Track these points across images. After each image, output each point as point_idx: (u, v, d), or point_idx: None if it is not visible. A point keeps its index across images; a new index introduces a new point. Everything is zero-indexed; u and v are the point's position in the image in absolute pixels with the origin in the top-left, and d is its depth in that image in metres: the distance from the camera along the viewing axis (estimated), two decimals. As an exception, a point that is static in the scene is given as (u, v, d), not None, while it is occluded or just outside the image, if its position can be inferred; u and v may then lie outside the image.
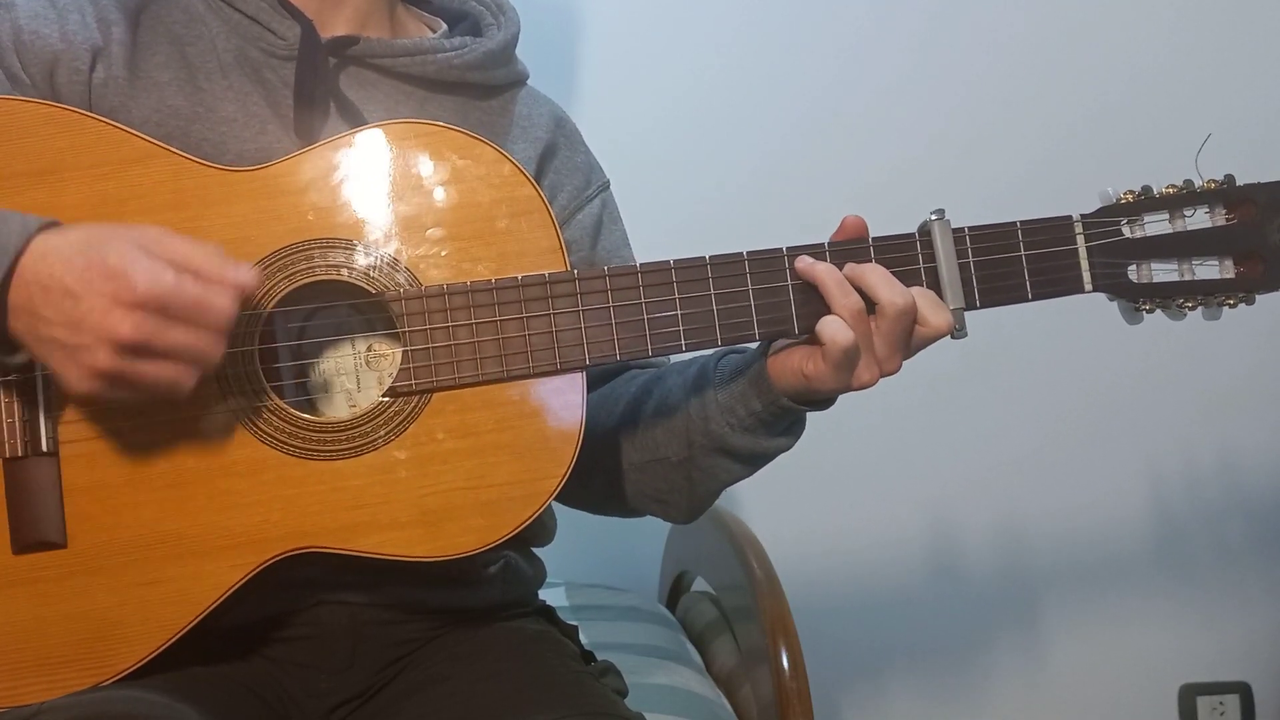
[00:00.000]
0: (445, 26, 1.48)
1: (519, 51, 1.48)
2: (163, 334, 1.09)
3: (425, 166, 1.22)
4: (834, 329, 1.22)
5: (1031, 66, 2.35)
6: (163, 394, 1.12)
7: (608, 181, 1.51)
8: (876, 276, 1.23)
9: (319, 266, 1.21)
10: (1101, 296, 1.30)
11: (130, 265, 1.08)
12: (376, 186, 1.22)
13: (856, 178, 2.28)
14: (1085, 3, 2.35)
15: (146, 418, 1.19)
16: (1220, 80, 2.34)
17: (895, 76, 2.33)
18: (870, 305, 1.23)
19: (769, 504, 2.27)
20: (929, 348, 1.27)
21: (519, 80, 1.49)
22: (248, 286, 1.13)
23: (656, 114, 2.27)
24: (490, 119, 1.43)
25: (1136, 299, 1.28)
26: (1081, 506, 2.42)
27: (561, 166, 1.46)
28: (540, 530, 1.46)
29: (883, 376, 1.25)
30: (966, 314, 1.25)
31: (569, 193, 1.46)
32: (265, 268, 1.20)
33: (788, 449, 1.35)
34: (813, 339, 1.25)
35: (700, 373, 1.35)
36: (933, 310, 1.24)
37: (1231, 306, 1.28)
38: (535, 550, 1.47)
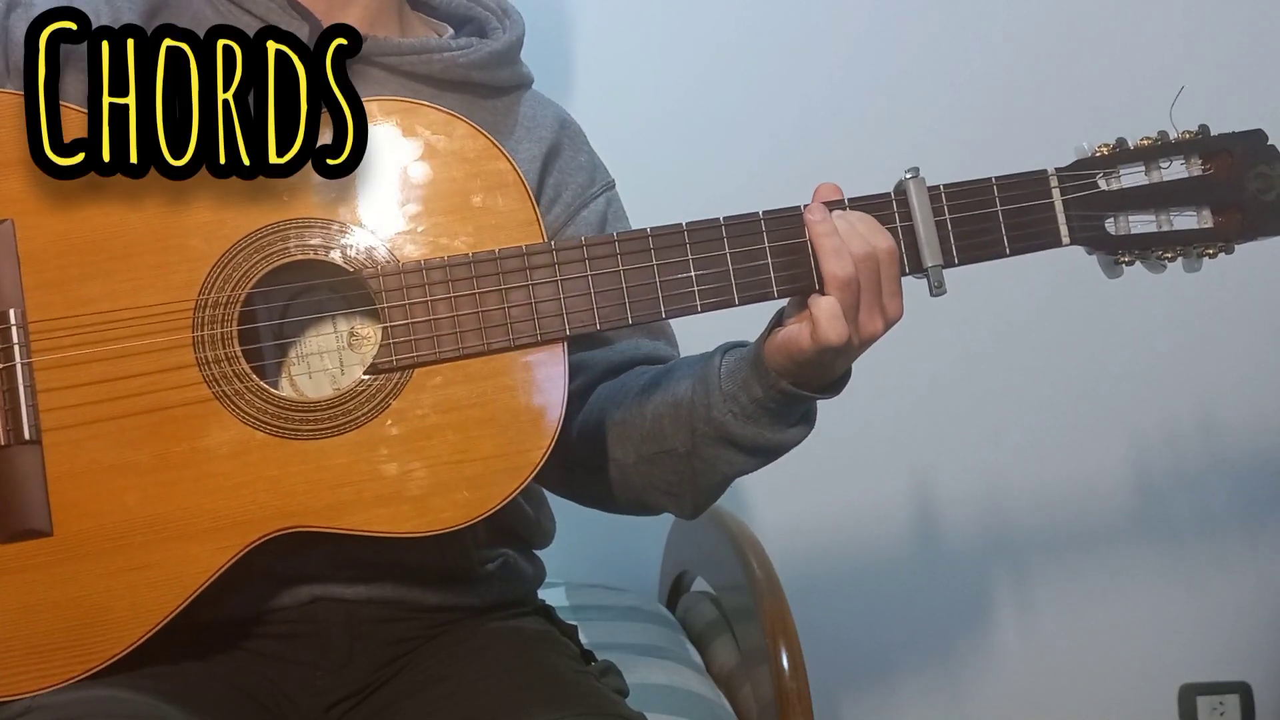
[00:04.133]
0: (452, 30, 1.50)
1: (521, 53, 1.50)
2: None
3: (399, 143, 1.23)
4: (832, 264, 1.22)
5: (1029, 68, 2.34)
6: None
7: (613, 182, 1.52)
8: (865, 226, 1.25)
9: (296, 247, 1.21)
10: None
11: None
12: None
13: (856, 177, 2.26)
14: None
15: (128, 402, 1.19)
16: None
17: (896, 76, 2.33)
18: None
19: (770, 504, 2.27)
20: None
21: (524, 83, 1.50)
22: None
23: (655, 115, 2.27)
24: (495, 119, 1.43)
25: (1115, 251, 1.28)
26: (1081, 508, 2.41)
27: (566, 166, 1.47)
28: (538, 532, 1.46)
29: (887, 325, 1.25)
30: (945, 271, 1.25)
31: (573, 190, 1.46)
32: (242, 249, 1.20)
33: (796, 443, 1.33)
34: (801, 315, 1.24)
35: (707, 363, 1.34)
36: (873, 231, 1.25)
37: (1211, 256, 1.28)
38: (534, 551, 1.47)
